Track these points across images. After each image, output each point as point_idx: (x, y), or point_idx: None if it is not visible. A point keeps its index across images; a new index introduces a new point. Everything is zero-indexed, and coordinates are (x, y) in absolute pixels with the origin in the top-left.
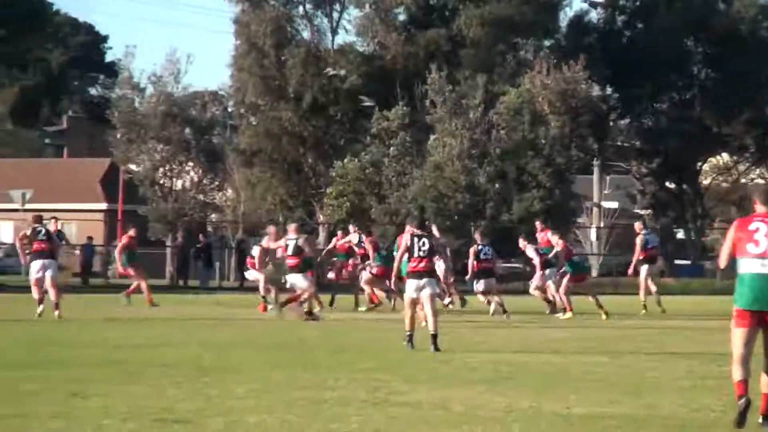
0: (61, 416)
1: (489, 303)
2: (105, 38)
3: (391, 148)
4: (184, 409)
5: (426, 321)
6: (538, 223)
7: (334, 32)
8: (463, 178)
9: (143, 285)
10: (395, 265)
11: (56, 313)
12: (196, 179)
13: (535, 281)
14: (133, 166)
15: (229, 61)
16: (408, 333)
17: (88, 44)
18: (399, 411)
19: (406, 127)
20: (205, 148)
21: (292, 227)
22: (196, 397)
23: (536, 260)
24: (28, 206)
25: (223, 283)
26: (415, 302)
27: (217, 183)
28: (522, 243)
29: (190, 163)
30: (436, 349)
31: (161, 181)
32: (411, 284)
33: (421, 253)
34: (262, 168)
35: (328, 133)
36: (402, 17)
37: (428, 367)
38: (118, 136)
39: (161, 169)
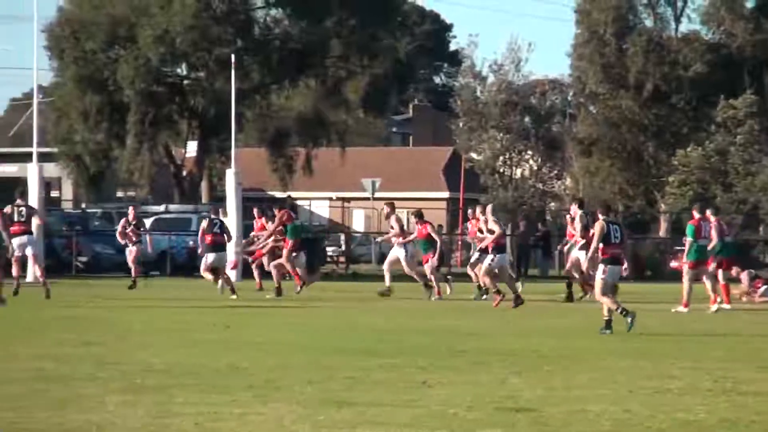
0: (408, 405)
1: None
2: (450, 27)
3: (738, 137)
4: (527, 398)
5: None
6: None
7: (678, 21)
8: None
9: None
10: (590, 253)
11: (233, 296)
12: (535, 168)
13: None
14: (474, 155)
15: (569, 49)
16: (608, 318)
17: (433, 33)
18: (748, 400)
19: (753, 116)
20: (544, 136)
21: None
22: (538, 385)
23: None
24: (376, 195)
25: (562, 272)
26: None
27: (555, 171)
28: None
29: (530, 152)
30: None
31: (501, 170)
32: (612, 270)
33: (618, 240)
34: (601, 157)
35: (670, 121)
36: (750, 5)
37: None
38: (461, 124)
39: (501, 158)
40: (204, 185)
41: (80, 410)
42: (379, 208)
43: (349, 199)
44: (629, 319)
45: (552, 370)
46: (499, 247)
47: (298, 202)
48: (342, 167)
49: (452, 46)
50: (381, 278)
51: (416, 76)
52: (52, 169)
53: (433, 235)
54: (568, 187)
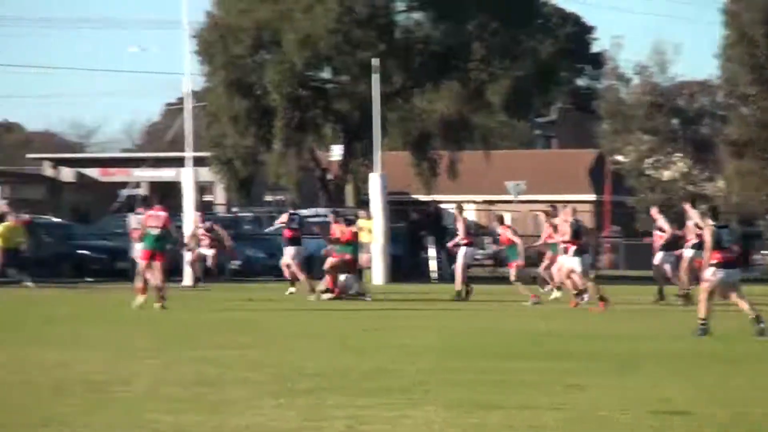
0: (558, 407)
1: None
2: (591, 29)
3: None
4: (681, 401)
5: None
6: None
7: None
8: None
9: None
10: (704, 261)
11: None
12: (685, 169)
13: None
14: (619, 157)
15: (716, 51)
16: (704, 320)
17: (575, 35)
18: None
19: None
20: (692, 138)
21: None
22: (692, 388)
23: None
24: (521, 197)
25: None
26: (715, 292)
27: (707, 174)
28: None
29: (678, 154)
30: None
31: (648, 172)
32: (721, 273)
33: (728, 244)
34: (755, 159)
35: None
36: None
37: None
38: (605, 126)
39: (648, 160)
40: (349, 189)
41: (236, 413)
42: (524, 211)
43: (494, 202)
44: (699, 333)
45: (706, 372)
46: (579, 249)
47: (443, 206)
48: (487, 170)
49: (594, 48)
50: (530, 282)
51: (558, 78)
52: (205, 174)
53: (513, 238)
54: (720, 188)
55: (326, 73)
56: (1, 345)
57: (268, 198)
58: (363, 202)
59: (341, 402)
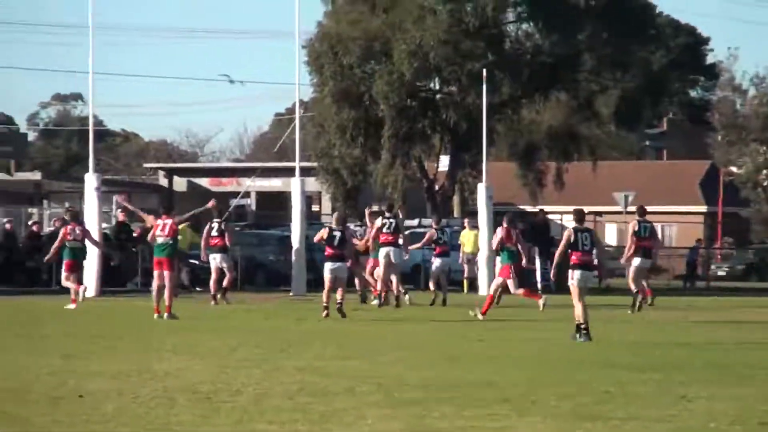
0: (666, 420)
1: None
2: (706, 40)
3: None
4: None
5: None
6: None
7: None
8: None
9: None
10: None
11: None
12: None
13: None
14: (733, 169)
15: None
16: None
17: (689, 46)
18: None
19: None
20: None
21: None
22: None
23: None
24: (630, 209)
25: None
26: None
27: None
28: None
29: None
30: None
31: (765, 183)
32: (578, 275)
33: (586, 248)
34: None
35: None
36: None
37: None
38: (719, 138)
39: (765, 171)
40: (456, 199)
41: (341, 424)
42: (632, 222)
43: (601, 213)
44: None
45: None
46: None
47: (549, 216)
48: (594, 181)
49: (709, 60)
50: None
51: (670, 89)
52: (312, 184)
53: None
54: None
55: (435, 84)
56: (123, 354)
57: (375, 208)
58: (470, 213)
59: (447, 412)
